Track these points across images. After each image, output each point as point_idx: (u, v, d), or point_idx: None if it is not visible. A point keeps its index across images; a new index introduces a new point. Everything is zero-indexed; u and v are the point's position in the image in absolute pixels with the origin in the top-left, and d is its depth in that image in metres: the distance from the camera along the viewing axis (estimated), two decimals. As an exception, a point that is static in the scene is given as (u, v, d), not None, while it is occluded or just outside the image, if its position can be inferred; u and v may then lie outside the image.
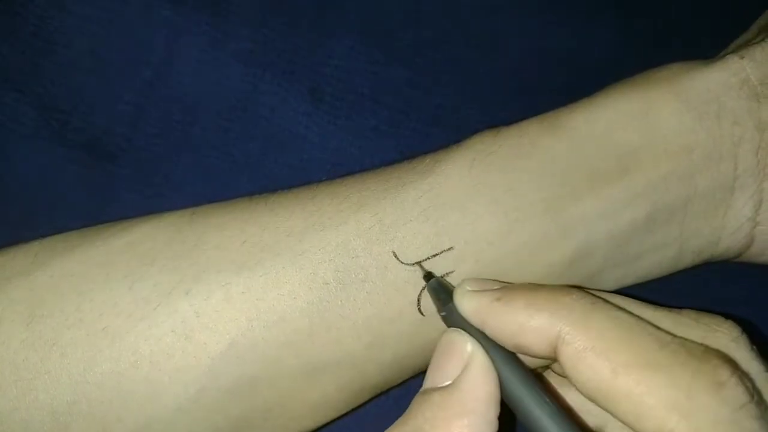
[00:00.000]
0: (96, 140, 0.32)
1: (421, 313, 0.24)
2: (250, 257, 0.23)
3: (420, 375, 0.26)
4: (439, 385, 0.20)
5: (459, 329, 0.21)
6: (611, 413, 0.19)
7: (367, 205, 0.24)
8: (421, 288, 0.24)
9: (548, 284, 0.21)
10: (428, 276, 0.23)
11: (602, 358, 0.19)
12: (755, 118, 0.25)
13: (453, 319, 0.22)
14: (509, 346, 0.21)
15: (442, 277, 0.24)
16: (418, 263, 0.24)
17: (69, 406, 0.22)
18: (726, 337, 0.20)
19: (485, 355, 0.20)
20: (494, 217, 0.24)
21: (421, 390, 0.20)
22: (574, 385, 0.19)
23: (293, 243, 0.23)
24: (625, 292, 0.24)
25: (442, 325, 0.24)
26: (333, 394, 0.24)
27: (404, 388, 0.27)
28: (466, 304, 0.21)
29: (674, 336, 0.19)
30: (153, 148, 0.32)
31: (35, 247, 0.24)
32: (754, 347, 0.21)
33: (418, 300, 0.24)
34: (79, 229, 0.26)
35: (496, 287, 0.21)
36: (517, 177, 0.24)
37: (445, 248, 0.24)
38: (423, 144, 0.33)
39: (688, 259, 0.27)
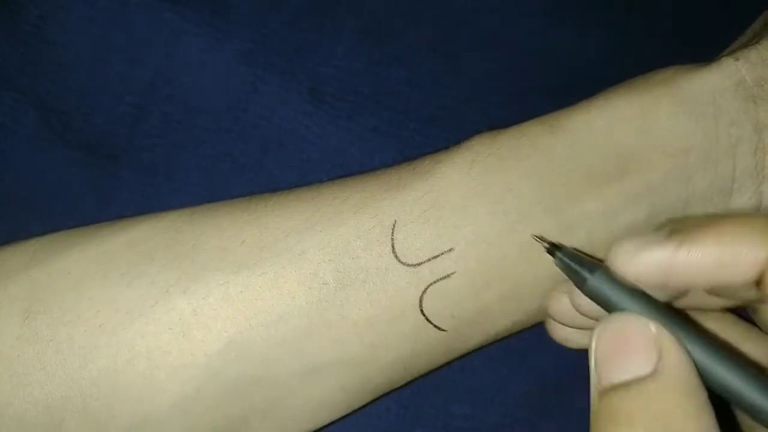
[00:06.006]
0: (96, 141, 0.32)
1: (424, 315, 0.24)
2: (249, 257, 0.23)
3: (421, 377, 0.26)
4: (632, 378, 0.18)
5: (627, 313, 0.19)
6: None
7: (368, 207, 0.24)
8: (422, 289, 0.23)
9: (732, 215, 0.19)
10: (553, 247, 0.21)
11: None
12: (753, 119, 0.25)
13: (603, 292, 0.19)
14: (702, 288, 0.19)
15: (446, 276, 0.23)
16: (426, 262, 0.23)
17: (63, 401, 0.22)
18: None
19: (671, 333, 0.18)
20: (494, 218, 0.24)
21: (605, 389, 0.18)
22: None
23: (293, 243, 0.23)
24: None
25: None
26: (333, 395, 0.24)
27: (405, 390, 0.27)
28: (644, 260, 0.18)
29: None
30: (153, 148, 0.32)
31: (33, 245, 0.24)
32: None
33: (420, 301, 0.24)
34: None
35: (661, 237, 0.19)
36: (516, 177, 0.24)
37: (446, 249, 0.24)
38: (423, 144, 0.33)
39: None
